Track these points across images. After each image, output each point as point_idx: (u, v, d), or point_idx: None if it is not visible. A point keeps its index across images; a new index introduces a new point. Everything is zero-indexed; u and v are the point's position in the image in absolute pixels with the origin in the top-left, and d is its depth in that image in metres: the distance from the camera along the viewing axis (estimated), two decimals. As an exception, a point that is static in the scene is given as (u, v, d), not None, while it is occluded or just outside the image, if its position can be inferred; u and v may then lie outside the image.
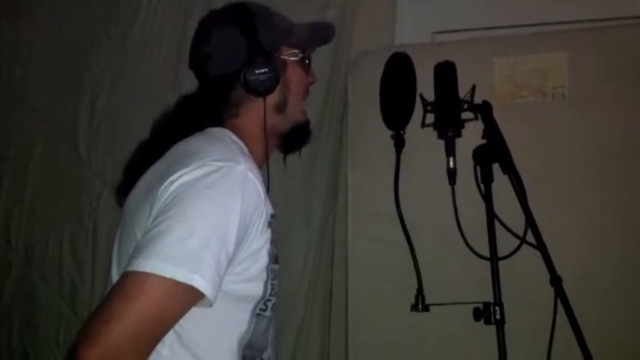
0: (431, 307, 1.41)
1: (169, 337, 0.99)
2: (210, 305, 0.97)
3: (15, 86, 2.32)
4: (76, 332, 2.04)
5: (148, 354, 0.94)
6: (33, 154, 2.25)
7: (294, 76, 1.25)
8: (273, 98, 1.21)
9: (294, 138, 1.29)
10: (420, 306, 1.42)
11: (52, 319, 2.13)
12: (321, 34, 1.35)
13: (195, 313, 0.98)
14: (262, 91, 1.18)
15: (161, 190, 1.00)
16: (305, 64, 1.28)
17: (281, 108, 1.23)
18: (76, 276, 2.12)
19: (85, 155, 2.17)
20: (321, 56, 1.81)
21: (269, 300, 1.10)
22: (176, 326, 0.98)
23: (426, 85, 1.46)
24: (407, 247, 1.46)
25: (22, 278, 2.20)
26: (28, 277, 2.19)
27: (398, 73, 1.52)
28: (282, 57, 1.23)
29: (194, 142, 1.14)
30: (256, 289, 1.07)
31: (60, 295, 2.13)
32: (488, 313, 1.30)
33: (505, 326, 1.29)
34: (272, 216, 1.09)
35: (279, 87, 1.20)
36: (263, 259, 1.06)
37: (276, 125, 1.24)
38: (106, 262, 2.01)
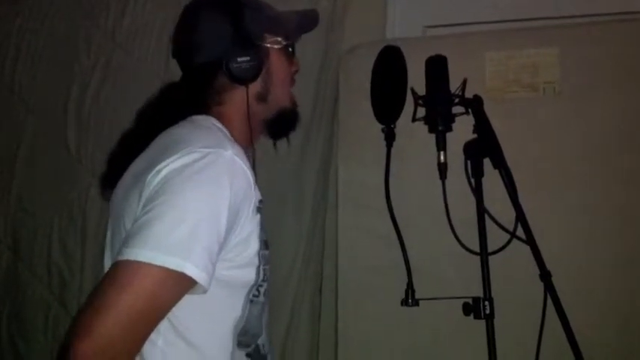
0: (421, 302, 1.41)
1: (164, 326, 0.99)
2: (204, 292, 0.96)
3: (4, 76, 2.30)
4: (64, 325, 2.04)
5: (142, 342, 0.94)
6: (21, 145, 2.23)
7: (277, 64, 1.23)
8: (255, 86, 1.19)
9: (280, 124, 1.27)
10: (410, 300, 1.42)
11: (40, 312, 2.12)
12: (307, 22, 1.34)
13: (189, 301, 0.97)
14: (244, 78, 1.16)
15: (149, 178, 0.99)
16: (289, 53, 1.27)
17: (263, 96, 1.21)
18: (64, 269, 2.11)
19: (73, 147, 2.15)
20: (312, 49, 1.82)
21: (261, 285, 1.10)
22: (170, 315, 0.98)
23: (417, 79, 1.46)
24: (397, 241, 1.46)
25: (10, 271, 2.19)
26: (17, 269, 2.17)
27: (389, 66, 1.51)
28: (265, 45, 1.21)
29: (180, 130, 1.13)
30: (249, 274, 1.07)
31: (48, 287, 2.12)
32: (478, 307, 1.30)
33: (495, 321, 1.29)
34: (260, 201, 1.08)
35: (261, 75, 1.19)
36: (254, 244, 1.06)
37: (260, 113, 1.22)
38: (95, 255, 2.02)
